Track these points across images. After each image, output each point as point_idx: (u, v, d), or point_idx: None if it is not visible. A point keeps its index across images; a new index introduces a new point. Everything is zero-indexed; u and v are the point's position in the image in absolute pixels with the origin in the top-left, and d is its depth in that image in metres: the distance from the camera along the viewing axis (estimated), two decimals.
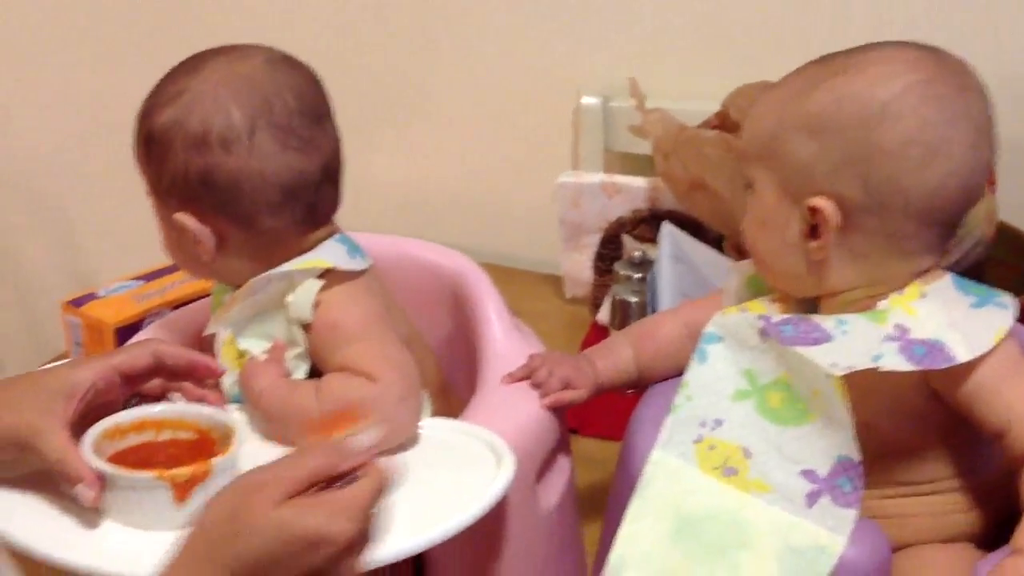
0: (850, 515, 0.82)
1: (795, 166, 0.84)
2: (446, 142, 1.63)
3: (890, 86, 0.82)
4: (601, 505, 1.07)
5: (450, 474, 0.86)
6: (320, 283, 0.92)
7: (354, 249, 0.95)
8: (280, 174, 0.90)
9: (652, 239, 1.38)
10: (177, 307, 1.21)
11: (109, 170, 1.71)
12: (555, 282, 1.56)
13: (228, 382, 0.94)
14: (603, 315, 1.40)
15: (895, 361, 0.80)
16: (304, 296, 0.91)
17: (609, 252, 1.43)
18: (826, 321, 0.85)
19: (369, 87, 1.60)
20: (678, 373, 0.98)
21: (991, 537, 0.88)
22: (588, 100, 1.52)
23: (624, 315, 1.31)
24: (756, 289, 0.95)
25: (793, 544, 0.82)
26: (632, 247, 1.37)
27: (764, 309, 0.90)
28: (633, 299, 1.30)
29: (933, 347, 0.81)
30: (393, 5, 1.60)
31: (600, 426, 1.26)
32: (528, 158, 1.60)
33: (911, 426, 0.86)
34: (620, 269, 1.33)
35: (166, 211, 0.93)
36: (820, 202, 0.83)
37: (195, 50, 0.95)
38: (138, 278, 1.27)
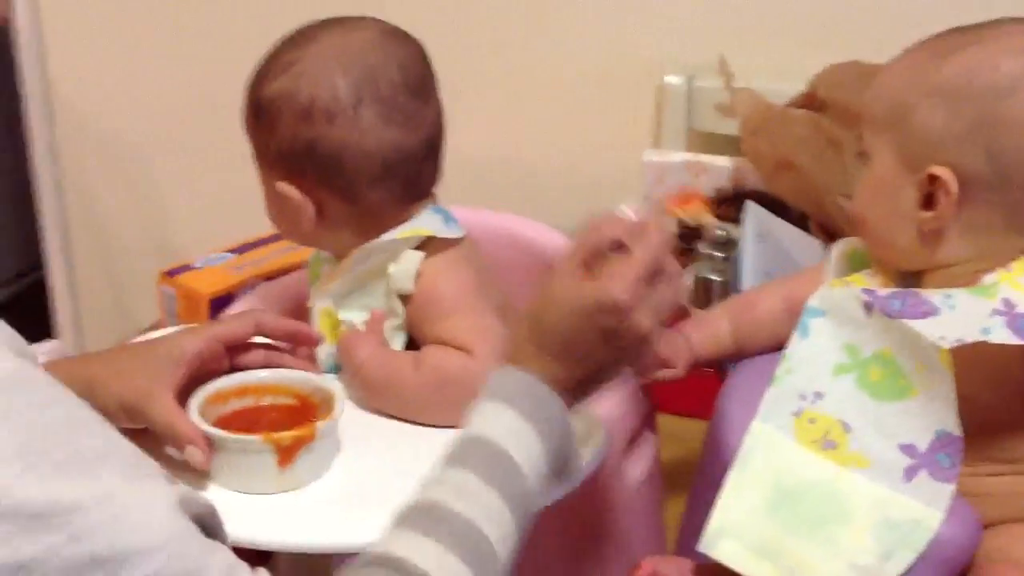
0: (948, 490, 0.82)
1: (917, 134, 0.84)
2: (528, 117, 1.64)
3: (1023, 58, 0.81)
4: (680, 480, 1.08)
5: None
6: (421, 254, 0.93)
7: (449, 218, 0.97)
8: (382, 148, 0.91)
9: (735, 219, 1.38)
10: (273, 278, 1.23)
11: (200, 143, 1.75)
12: None
13: (323, 353, 0.96)
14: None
15: (1003, 335, 0.80)
16: (407, 266, 0.93)
17: (691, 231, 1.43)
18: (933, 295, 0.84)
19: (454, 62, 1.60)
20: (775, 347, 0.98)
21: None
22: (672, 79, 1.52)
23: (707, 294, 1.31)
24: (855, 264, 0.95)
25: (890, 517, 0.82)
26: (715, 226, 1.37)
27: (867, 283, 0.90)
28: (716, 278, 1.31)
29: None
30: None
31: (681, 404, 1.26)
32: (611, 136, 1.60)
33: (1011, 400, 0.85)
34: (703, 248, 1.33)
35: (270, 179, 0.95)
36: (940, 171, 0.82)
37: (292, 24, 0.97)
38: (233, 250, 1.29)
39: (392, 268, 0.93)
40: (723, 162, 1.42)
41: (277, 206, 0.96)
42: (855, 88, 1.34)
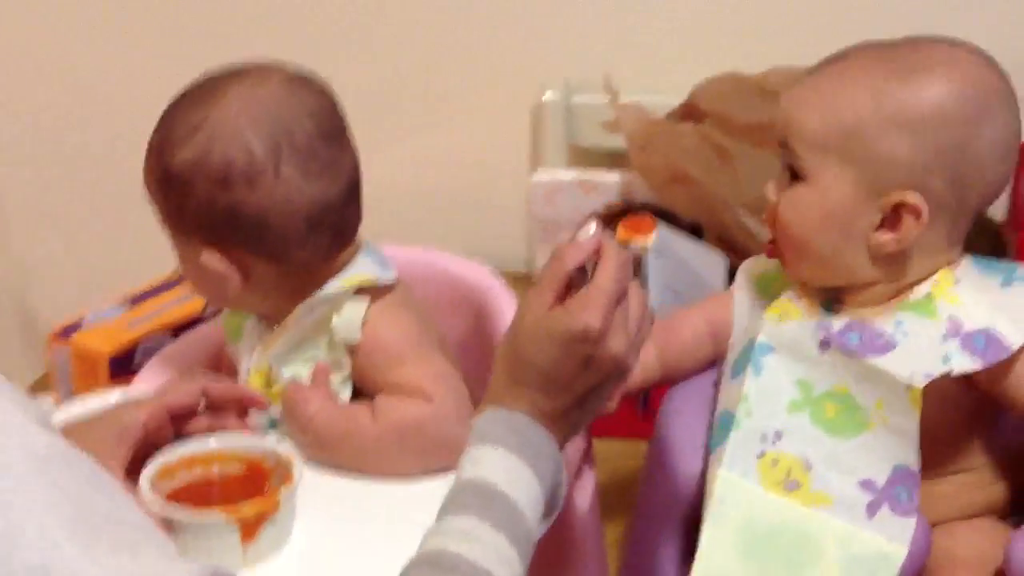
0: (909, 523, 0.84)
1: (881, 161, 0.84)
2: (408, 142, 1.62)
3: (984, 86, 0.84)
4: (605, 503, 1.08)
5: None
6: (365, 302, 0.91)
7: (383, 260, 0.94)
8: (306, 204, 0.88)
9: None
10: (173, 330, 1.18)
11: (59, 188, 1.66)
12: (523, 280, 1.56)
13: (255, 413, 0.92)
14: None
15: (963, 361, 0.83)
16: (352, 316, 0.90)
17: None
18: (885, 323, 0.86)
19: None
20: (700, 370, 1.00)
21: (1007, 509, 0.92)
22: (550, 96, 1.53)
23: None
24: (766, 285, 0.97)
25: (856, 553, 0.84)
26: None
27: (796, 307, 0.91)
28: None
29: (989, 337, 0.83)
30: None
31: (597, 425, 1.26)
32: (491, 156, 1.60)
33: (946, 408, 0.88)
34: None
35: (188, 247, 0.90)
36: (912, 197, 0.84)
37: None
38: (124, 303, 1.22)
39: (336, 319, 0.90)
40: (612, 177, 1.44)
41: (198, 275, 0.91)
42: (736, 99, 1.38)
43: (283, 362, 0.92)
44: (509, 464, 0.71)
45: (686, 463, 0.94)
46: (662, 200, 1.38)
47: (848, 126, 0.85)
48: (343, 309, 0.90)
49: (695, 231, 1.39)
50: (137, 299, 1.22)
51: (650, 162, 1.36)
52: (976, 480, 0.92)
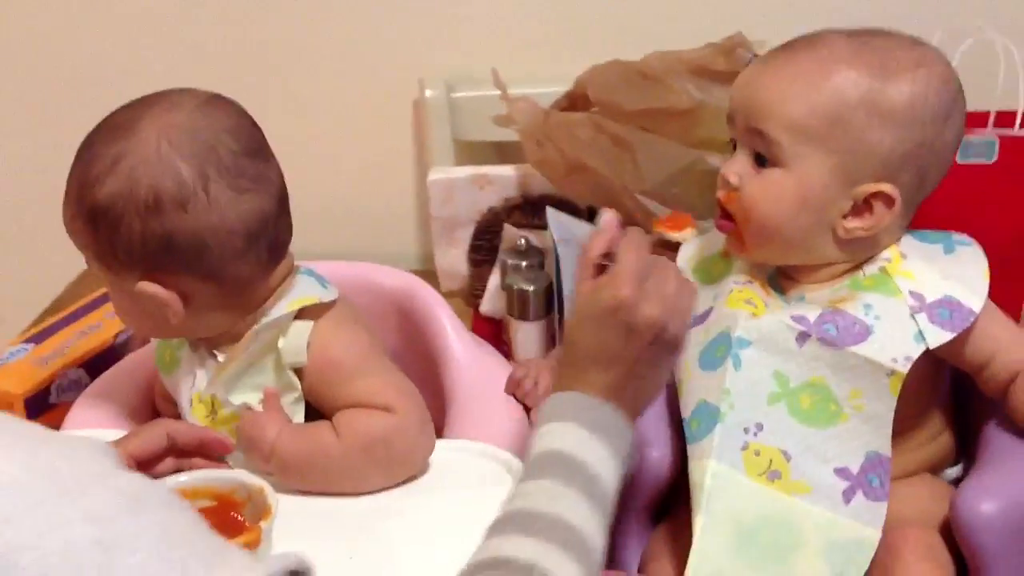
0: (881, 508, 0.87)
1: (864, 152, 0.87)
2: (291, 144, 1.58)
3: (950, 85, 0.88)
4: None
5: (471, 492, 0.89)
6: (310, 323, 0.90)
7: (321, 279, 0.94)
8: (242, 219, 0.87)
9: (528, 225, 1.40)
10: (85, 363, 1.14)
11: None
12: (427, 276, 1.56)
13: None
14: (487, 306, 1.42)
15: (936, 334, 0.86)
16: (297, 338, 0.90)
17: (484, 243, 1.44)
18: (855, 308, 0.89)
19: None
20: None
21: (941, 464, 0.97)
22: (431, 92, 1.52)
23: (523, 304, 1.31)
24: (707, 270, 0.99)
25: (836, 539, 0.87)
26: (514, 235, 1.38)
27: (759, 297, 0.92)
28: (530, 287, 1.31)
29: (952, 305, 0.87)
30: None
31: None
32: (376, 157, 1.59)
33: (908, 380, 0.89)
34: (508, 259, 1.33)
35: (122, 281, 0.88)
36: (887, 188, 0.87)
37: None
38: (28, 341, 1.17)
39: (282, 343, 0.90)
40: (507, 171, 1.44)
41: (136, 307, 0.89)
42: (622, 86, 1.39)
43: (229, 390, 0.91)
44: (580, 435, 0.75)
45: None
46: (561, 192, 1.39)
47: (834, 116, 0.86)
48: (289, 331, 0.90)
49: (592, 217, 1.40)
50: (39, 337, 1.17)
51: (547, 156, 1.36)
52: (917, 441, 0.96)
